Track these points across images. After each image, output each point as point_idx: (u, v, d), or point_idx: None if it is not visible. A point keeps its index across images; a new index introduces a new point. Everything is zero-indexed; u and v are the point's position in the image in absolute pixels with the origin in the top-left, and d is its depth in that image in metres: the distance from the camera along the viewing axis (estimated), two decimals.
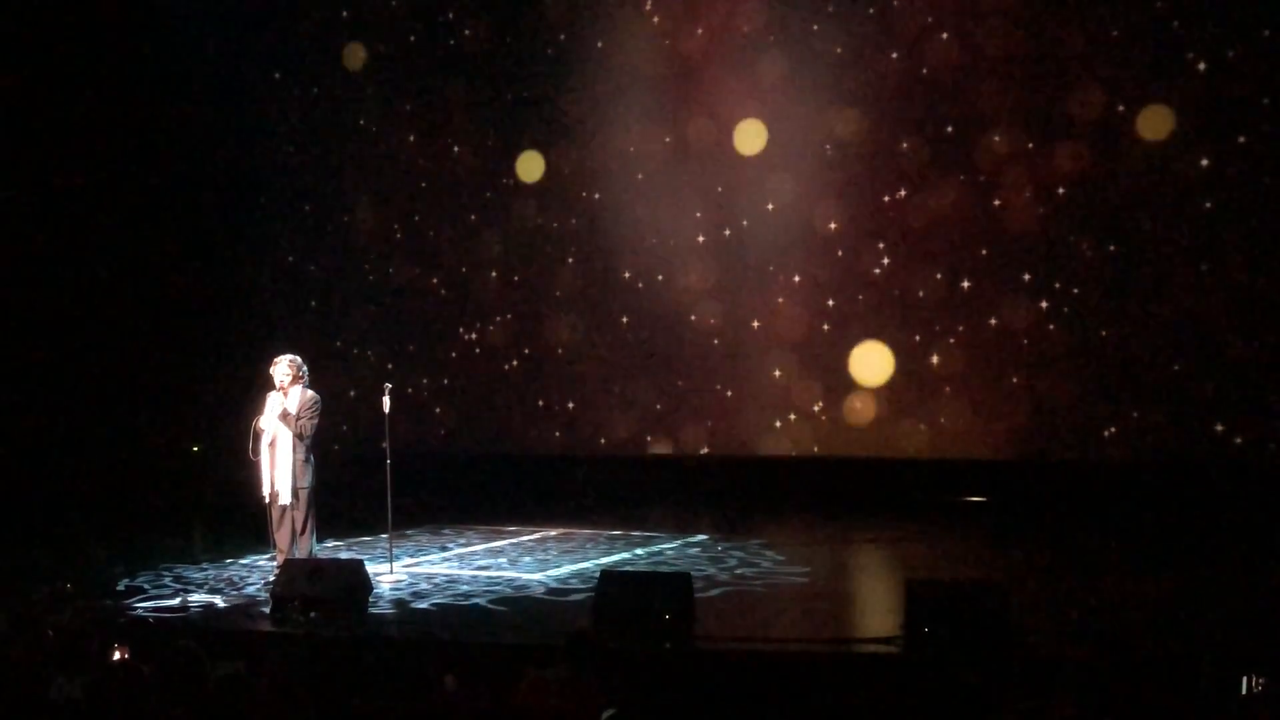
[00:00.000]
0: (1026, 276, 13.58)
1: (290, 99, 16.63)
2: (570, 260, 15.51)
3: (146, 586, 9.98)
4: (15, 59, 14.48)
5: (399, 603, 9.30)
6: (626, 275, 15.22)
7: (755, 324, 14.71)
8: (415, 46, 16.07)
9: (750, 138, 14.62)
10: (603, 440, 15.39)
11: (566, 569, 10.58)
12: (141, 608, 9.23)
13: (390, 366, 15.78)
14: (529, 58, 15.54)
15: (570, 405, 15.54)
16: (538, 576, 10.27)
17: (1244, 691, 6.09)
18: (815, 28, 14.34)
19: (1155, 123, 13.03)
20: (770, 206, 14.57)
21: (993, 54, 13.66)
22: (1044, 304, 13.53)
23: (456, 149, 15.97)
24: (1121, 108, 13.17)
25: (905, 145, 14.05)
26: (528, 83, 15.55)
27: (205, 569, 10.69)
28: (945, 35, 13.85)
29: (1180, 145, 12.97)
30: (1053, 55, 13.42)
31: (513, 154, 15.65)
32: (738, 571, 10.38)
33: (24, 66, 14.55)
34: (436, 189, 16.09)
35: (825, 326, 14.42)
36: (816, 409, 14.47)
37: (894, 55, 14.05)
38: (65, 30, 14.77)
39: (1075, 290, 13.41)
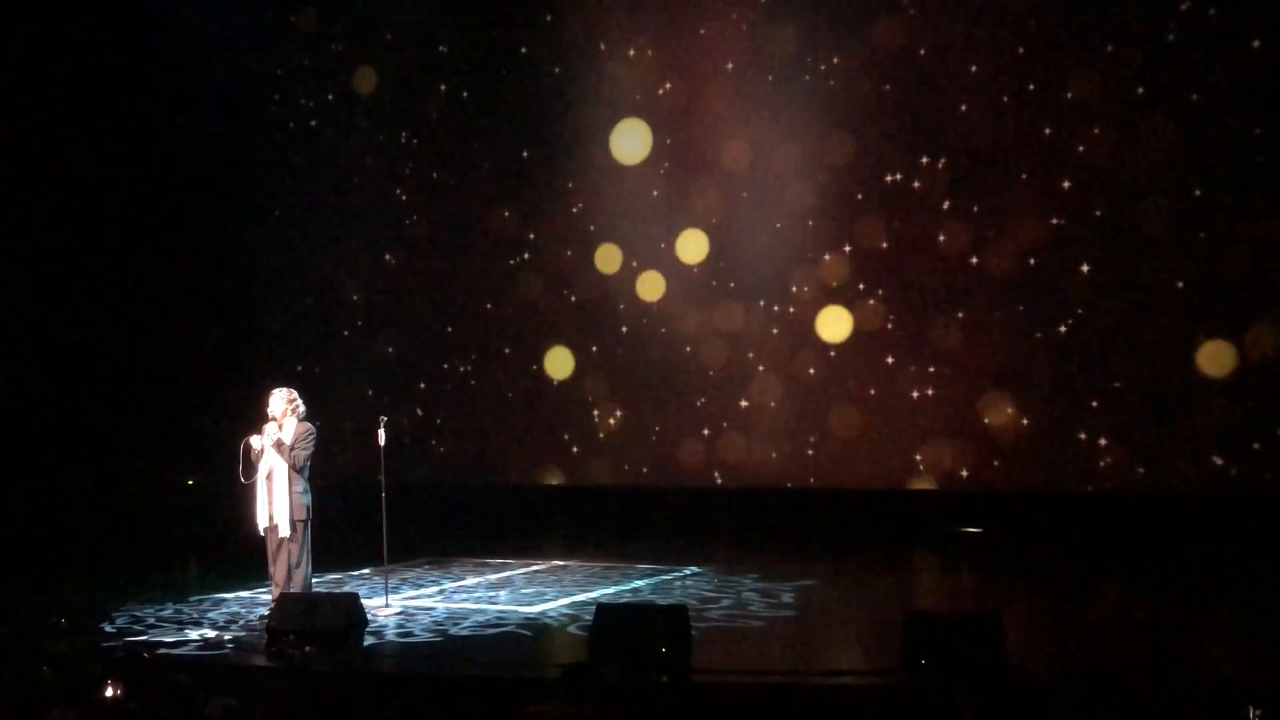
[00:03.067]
0: (1021, 307, 13.61)
1: (288, 132, 16.66)
2: (565, 292, 15.52)
3: (138, 627, 9.93)
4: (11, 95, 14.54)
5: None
6: (622, 307, 15.24)
7: (750, 354, 14.73)
8: (410, 79, 16.13)
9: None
10: (600, 472, 15.38)
11: (564, 601, 10.56)
12: (135, 641, 9.19)
13: (386, 400, 15.75)
14: (522, 91, 15.61)
15: (565, 437, 15.53)
16: (535, 609, 10.24)
17: None
18: (808, 59, 14.43)
19: (1150, 155, 13.09)
20: (764, 239, 14.61)
21: (985, 84, 13.73)
22: (1038, 334, 13.55)
23: (452, 181, 16.01)
24: (1119, 138, 13.23)
25: (899, 176, 14.10)
26: (521, 115, 15.61)
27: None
28: (939, 68, 13.92)
29: (1173, 176, 13.03)
30: (1049, 84, 13.48)
31: (508, 185, 15.71)
32: (734, 604, 10.36)
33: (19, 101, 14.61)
34: (431, 221, 16.12)
35: (820, 357, 14.43)
36: (812, 439, 14.46)
37: (887, 87, 14.13)
38: (59, 54, 14.82)
39: (1069, 322, 13.43)
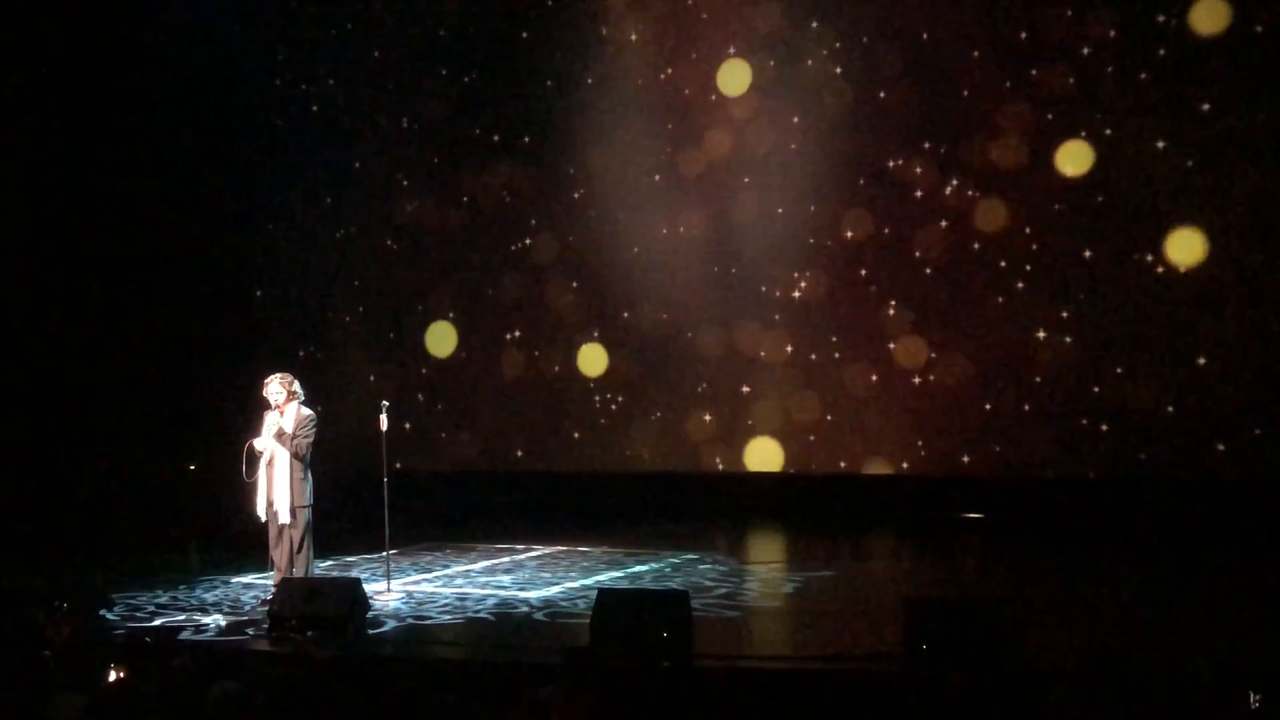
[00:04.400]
0: (1023, 292, 13.60)
1: (289, 117, 16.65)
2: (566, 279, 15.51)
3: (142, 609, 9.96)
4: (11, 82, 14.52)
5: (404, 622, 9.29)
6: (624, 293, 15.23)
7: (752, 340, 14.72)
8: (411, 64, 16.11)
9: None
10: (604, 459, 15.39)
11: (567, 586, 10.57)
12: (138, 627, 9.21)
13: (387, 385, 15.74)
14: (523, 76, 15.59)
15: (566, 423, 15.54)
16: (536, 594, 10.26)
17: (1248, 707, 6.08)
18: (810, 44, 14.41)
19: (1151, 140, 13.08)
20: (766, 223, 14.60)
21: (987, 69, 13.71)
22: (1040, 319, 13.54)
23: (453, 166, 16.00)
24: (1121, 123, 13.20)
25: (900, 161, 14.09)
26: (522, 99, 15.60)
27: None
28: (940, 53, 13.89)
29: (1175, 162, 13.01)
30: (1051, 70, 13.46)
31: (509, 170, 15.70)
32: (737, 590, 10.38)
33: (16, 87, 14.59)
34: (432, 207, 16.11)
35: (822, 342, 14.43)
36: (813, 425, 14.46)
37: (888, 73, 14.10)
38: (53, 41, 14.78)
39: (1071, 306, 13.42)
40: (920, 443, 14.02)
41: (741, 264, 14.74)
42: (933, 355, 13.98)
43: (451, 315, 16.03)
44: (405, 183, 16.24)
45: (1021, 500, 13.50)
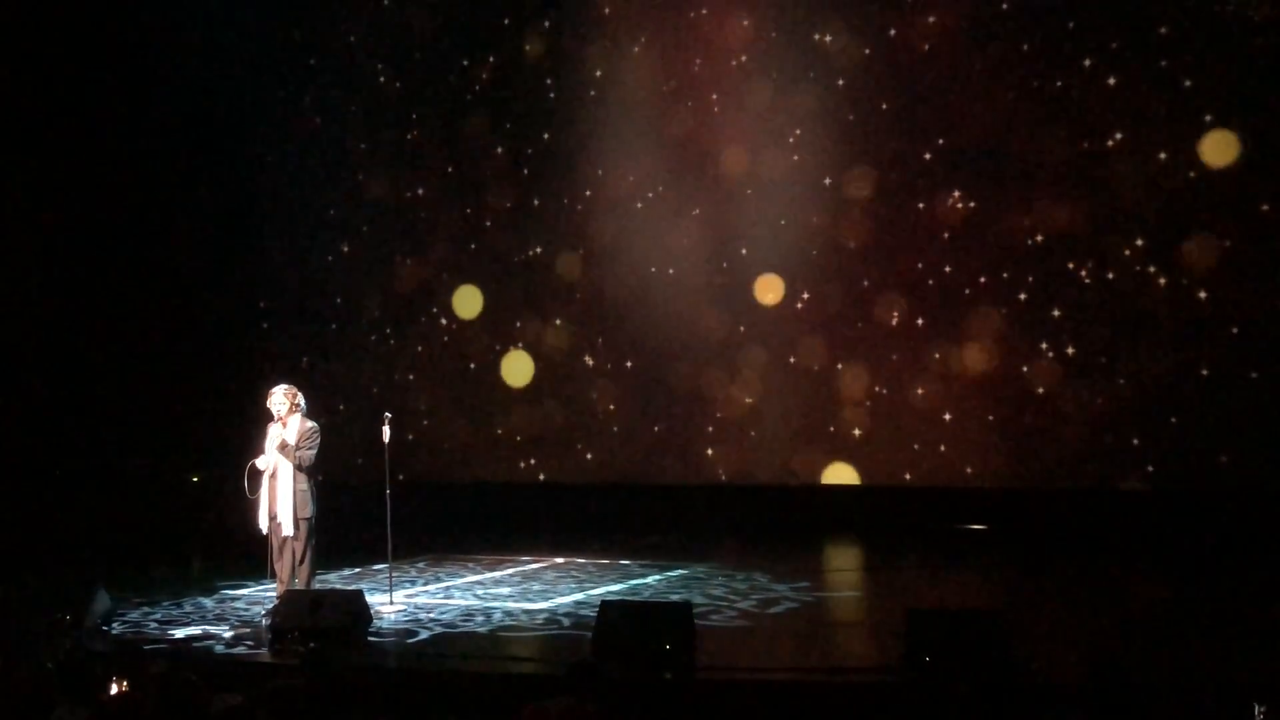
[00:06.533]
0: (1023, 295, 13.59)
1: (294, 129, 16.69)
2: (571, 290, 15.53)
3: (144, 622, 9.95)
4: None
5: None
6: (625, 305, 15.24)
7: (754, 351, 14.72)
8: (416, 78, 16.15)
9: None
10: (604, 469, 15.39)
11: (569, 599, 10.56)
12: (141, 639, 9.20)
13: (390, 396, 15.75)
14: (527, 90, 15.63)
15: (571, 434, 15.53)
16: (539, 606, 10.25)
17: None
18: (813, 57, 14.42)
19: (1155, 150, 13.08)
20: (767, 235, 14.60)
21: (990, 82, 13.72)
22: (1044, 330, 13.52)
23: (457, 179, 16.03)
24: (1125, 135, 13.21)
25: (903, 173, 14.10)
26: (526, 113, 15.64)
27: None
28: (943, 66, 13.91)
29: (1178, 171, 13.01)
30: (1053, 82, 13.47)
31: (514, 183, 15.72)
32: (738, 602, 10.37)
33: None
34: (437, 219, 16.13)
35: (825, 354, 14.42)
36: (816, 436, 14.45)
37: (892, 86, 14.11)
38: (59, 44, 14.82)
39: (1076, 318, 13.41)
40: (923, 454, 14.00)
41: (744, 275, 14.74)
42: (935, 367, 13.96)
43: (455, 327, 16.04)
44: (409, 195, 16.26)
45: (1025, 512, 13.46)
